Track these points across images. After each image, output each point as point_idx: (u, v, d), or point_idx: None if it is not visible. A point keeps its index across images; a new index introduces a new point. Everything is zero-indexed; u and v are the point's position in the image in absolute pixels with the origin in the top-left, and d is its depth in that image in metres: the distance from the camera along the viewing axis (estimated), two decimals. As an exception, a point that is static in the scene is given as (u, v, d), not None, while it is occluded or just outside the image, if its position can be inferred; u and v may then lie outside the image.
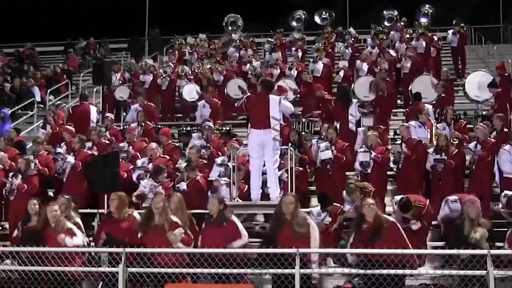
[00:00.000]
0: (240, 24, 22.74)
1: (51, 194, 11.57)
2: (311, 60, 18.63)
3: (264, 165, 9.76)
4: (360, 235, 7.38)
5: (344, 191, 9.68)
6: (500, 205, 9.32)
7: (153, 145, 11.89)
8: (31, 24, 30.41)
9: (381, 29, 21.08)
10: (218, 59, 20.44)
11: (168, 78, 17.99)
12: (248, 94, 10.68)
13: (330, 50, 20.01)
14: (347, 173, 11.66)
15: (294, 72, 17.58)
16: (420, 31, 19.46)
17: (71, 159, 11.49)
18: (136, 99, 15.82)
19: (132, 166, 11.57)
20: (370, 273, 6.65)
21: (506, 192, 9.50)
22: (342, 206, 9.76)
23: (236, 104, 10.14)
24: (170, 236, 7.60)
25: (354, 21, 25.90)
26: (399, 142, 11.76)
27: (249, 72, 18.19)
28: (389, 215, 8.40)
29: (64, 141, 12.66)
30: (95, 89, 18.10)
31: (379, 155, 11.07)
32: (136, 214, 8.32)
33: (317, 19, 23.36)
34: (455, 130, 12.35)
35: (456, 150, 11.13)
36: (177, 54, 21.38)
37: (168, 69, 18.55)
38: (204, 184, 10.80)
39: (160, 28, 25.80)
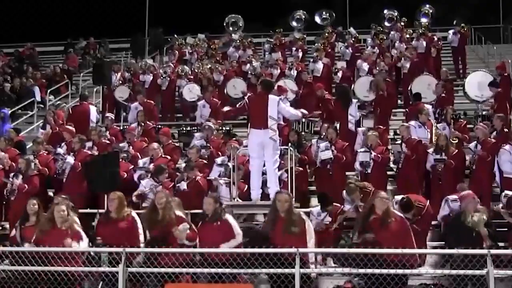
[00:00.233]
0: (241, 25, 22.73)
1: (51, 194, 11.57)
2: (311, 60, 18.64)
3: (264, 165, 9.76)
4: (367, 226, 7.38)
5: (344, 191, 9.69)
6: (500, 205, 9.33)
7: (155, 145, 11.90)
8: (31, 24, 30.40)
9: (381, 29, 21.08)
10: (218, 59, 20.45)
11: (168, 78, 18.00)
12: (249, 94, 10.67)
13: (330, 50, 20.02)
14: (347, 173, 11.66)
15: (294, 72, 17.58)
16: (420, 31, 19.46)
17: (70, 159, 11.50)
18: (136, 98, 15.84)
19: (132, 166, 11.58)
20: (370, 273, 6.64)
21: (506, 192, 9.51)
22: (342, 206, 9.77)
23: (237, 105, 10.12)
24: (175, 231, 7.61)
25: (354, 21, 25.90)
26: (399, 142, 11.76)
27: (249, 72, 18.19)
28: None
29: (64, 141, 12.67)
30: (95, 89, 18.10)
31: (379, 155, 11.08)
32: (134, 214, 8.32)
33: (317, 19, 23.34)
34: (455, 130, 12.35)
35: (456, 150, 11.14)
36: (177, 54, 21.38)
37: (168, 69, 18.55)
38: (204, 184, 10.81)
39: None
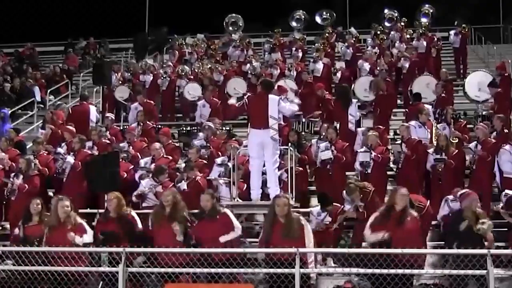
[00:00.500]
0: (241, 25, 22.72)
1: (51, 194, 11.57)
2: (311, 60, 18.64)
3: (264, 165, 9.76)
4: (385, 221, 7.39)
5: (344, 191, 9.69)
6: (500, 205, 9.33)
7: (157, 145, 11.90)
8: (31, 24, 30.42)
9: (382, 29, 21.08)
10: (218, 59, 20.45)
11: (168, 78, 18.00)
12: (248, 94, 10.66)
13: (329, 50, 20.02)
14: (347, 173, 11.66)
15: (294, 73, 17.59)
16: (420, 31, 19.46)
17: (70, 159, 11.49)
18: (136, 98, 15.84)
19: (132, 166, 11.59)
20: (370, 273, 6.64)
21: (506, 191, 9.51)
22: (342, 206, 9.78)
23: (237, 104, 10.11)
24: (175, 227, 7.64)
25: (354, 21, 25.93)
26: (399, 142, 11.76)
27: (249, 72, 18.20)
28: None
29: (64, 141, 12.67)
30: (95, 89, 18.09)
31: (379, 155, 11.08)
32: (134, 213, 8.33)
33: (318, 19, 23.33)
34: (455, 130, 12.35)
35: (456, 150, 11.13)
36: (177, 54, 21.38)
37: (168, 69, 18.56)
38: (204, 184, 10.80)
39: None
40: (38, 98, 19.17)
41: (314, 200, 10.81)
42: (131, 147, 12.40)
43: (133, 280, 6.97)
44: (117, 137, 13.46)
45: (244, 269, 7.05)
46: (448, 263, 6.92)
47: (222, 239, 7.67)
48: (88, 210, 10.39)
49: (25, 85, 19.97)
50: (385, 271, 6.52)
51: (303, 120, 14.61)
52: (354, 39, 20.58)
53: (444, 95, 14.65)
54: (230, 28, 22.77)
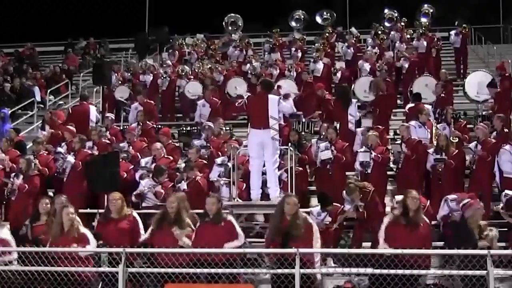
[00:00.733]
0: (240, 24, 22.73)
1: (51, 194, 11.57)
2: (311, 60, 18.64)
3: (264, 165, 9.76)
4: (399, 227, 7.37)
5: (344, 191, 9.69)
6: (500, 205, 9.33)
7: (158, 145, 11.90)
8: (31, 24, 30.43)
9: (382, 29, 21.07)
10: (218, 59, 20.45)
11: (168, 78, 18.00)
12: (248, 94, 10.66)
13: (329, 50, 20.01)
14: (347, 173, 11.66)
15: (294, 73, 17.59)
16: (420, 31, 19.46)
17: (71, 158, 11.50)
18: (136, 98, 15.84)
19: (133, 166, 11.59)
20: (370, 273, 6.64)
21: (506, 192, 9.51)
22: (342, 206, 9.77)
23: (236, 104, 10.09)
24: (176, 231, 7.63)
25: (354, 21, 25.90)
26: (399, 142, 11.76)
27: (249, 72, 18.20)
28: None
29: (64, 141, 12.67)
30: (95, 89, 18.09)
31: (379, 155, 11.07)
32: (135, 214, 8.31)
33: (318, 19, 23.33)
34: (455, 130, 12.35)
35: (456, 150, 11.13)
36: (177, 54, 21.38)
37: (168, 69, 18.56)
38: (204, 184, 10.81)
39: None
40: (38, 98, 19.18)
41: (314, 200, 10.80)
42: (131, 147, 12.40)
43: (133, 281, 6.97)
44: (117, 137, 13.46)
45: (244, 269, 7.05)
46: (456, 264, 6.90)
47: (227, 246, 7.63)
48: (88, 210, 10.39)
49: (25, 85, 19.97)
50: (385, 271, 6.52)
51: (303, 120, 14.61)
52: (355, 39, 20.58)
53: (443, 95, 14.65)
54: (230, 28, 22.78)
